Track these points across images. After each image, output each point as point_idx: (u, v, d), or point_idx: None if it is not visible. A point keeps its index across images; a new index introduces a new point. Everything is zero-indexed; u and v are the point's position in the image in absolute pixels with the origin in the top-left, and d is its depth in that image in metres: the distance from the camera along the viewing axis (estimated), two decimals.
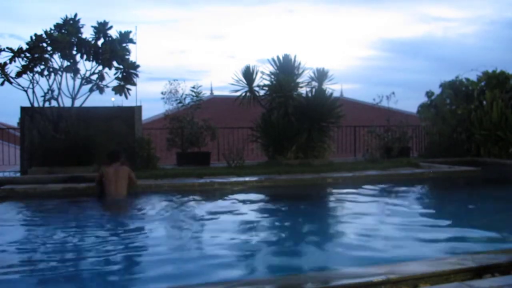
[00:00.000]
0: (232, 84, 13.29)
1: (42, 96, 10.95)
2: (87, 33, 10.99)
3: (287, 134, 12.31)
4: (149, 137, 12.13)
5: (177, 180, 9.54)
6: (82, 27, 10.92)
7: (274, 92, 12.76)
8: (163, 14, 54.47)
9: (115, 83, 11.22)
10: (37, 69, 10.74)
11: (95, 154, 10.65)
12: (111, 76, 11.21)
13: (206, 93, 20.93)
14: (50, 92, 10.95)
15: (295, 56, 13.22)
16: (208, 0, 55.21)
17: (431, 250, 4.67)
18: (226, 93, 17.32)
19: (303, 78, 13.31)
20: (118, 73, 11.16)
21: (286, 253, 4.73)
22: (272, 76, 13.04)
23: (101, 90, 11.25)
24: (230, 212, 7.03)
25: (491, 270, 3.53)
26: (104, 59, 10.90)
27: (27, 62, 10.62)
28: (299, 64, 13.23)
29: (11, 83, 10.67)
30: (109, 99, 14.15)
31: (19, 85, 10.76)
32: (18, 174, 11.11)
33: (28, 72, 10.68)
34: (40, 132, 10.97)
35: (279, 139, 12.37)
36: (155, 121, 18.59)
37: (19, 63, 10.62)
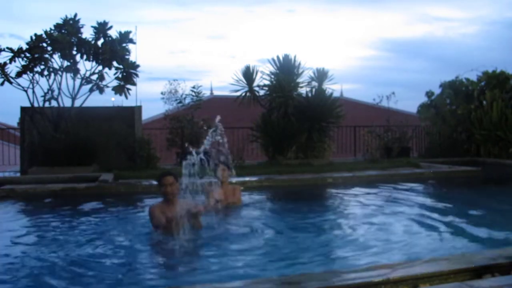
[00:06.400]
0: (232, 84, 13.31)
1: (42, 96, 10.97)
2: (87, 33, 11.03)
3: (287, 134, 12.31)
4: (149, 137, 12.14)
5: None
6: (82, 27, 10.94)
7: (274, 92, 12.76)
8: (163, 14, 54.58)
9: (115, 83, 11.26)
10: (37, 69, 10.77)
11: (95, 154, 10.66)
12: (111, 76, 11.26)
13: (206, 93, 20.93)
14: (50, 92, 10.97)
15: (295, 56, 13.25)
16: (208, 0, 55.28)
17: (431, 250, 4.67)
18: (226, 93, 17.32)
19: (303, 78, 13.33)
20: (118, 73, 11.17)
21: (286, 253, 4.73)
22: (272, 76, 13.04)
23: (101, 90, 11.27)
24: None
25: (491, 270, 3.53)
26: (104, 59, 10.92)
27: (27, 62, 10.63)
28: (299, 64, 13.24)
29: (11, 83, 10.69)
30: (109, 99, 14.18)
31: (19, 85, 10.78)
32: (18, 174, 11.12)
33: (28, 72, 10.70)
34: (40, 132, 10.98)
35: (279, 139, 12.37)
36: (155, 121, 18.59)
37: (19, 63, 10.66)
